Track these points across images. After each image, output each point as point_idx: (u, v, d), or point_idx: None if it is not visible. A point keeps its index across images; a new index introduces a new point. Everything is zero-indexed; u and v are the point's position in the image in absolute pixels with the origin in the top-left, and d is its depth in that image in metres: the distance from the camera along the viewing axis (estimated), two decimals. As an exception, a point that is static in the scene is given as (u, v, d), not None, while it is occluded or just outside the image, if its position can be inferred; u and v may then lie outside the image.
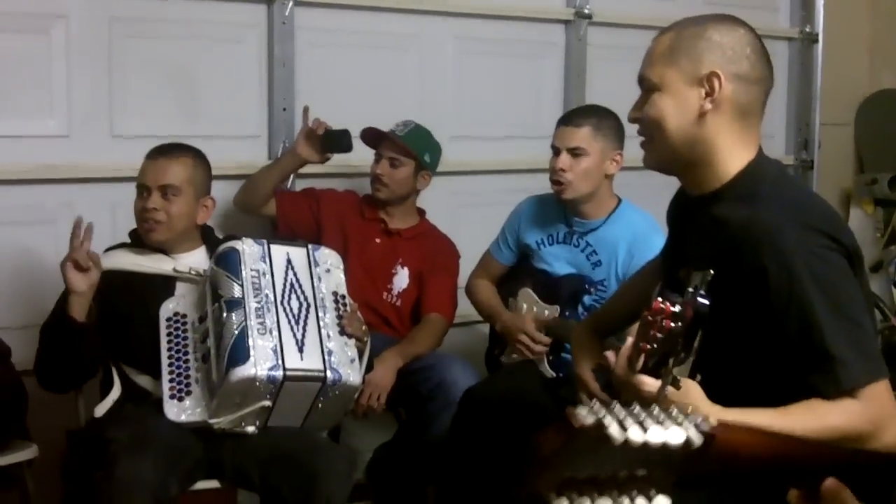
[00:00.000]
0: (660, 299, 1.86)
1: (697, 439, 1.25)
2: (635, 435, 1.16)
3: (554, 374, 3.62)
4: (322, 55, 4.33)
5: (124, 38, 3.94)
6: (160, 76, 4.04)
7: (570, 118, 3.69)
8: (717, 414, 1.97)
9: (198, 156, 3.38)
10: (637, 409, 1.23)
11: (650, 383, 1.96)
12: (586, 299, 3.63)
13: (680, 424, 1.22)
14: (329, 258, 3.33)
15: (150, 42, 4.00)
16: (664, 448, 1.21)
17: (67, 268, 3.08)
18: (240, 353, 2.98)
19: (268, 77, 4.22)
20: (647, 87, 2.26)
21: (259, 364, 2.97)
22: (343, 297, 3.28)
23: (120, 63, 3.94)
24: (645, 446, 1.18)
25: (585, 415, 1.17)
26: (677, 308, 1.83)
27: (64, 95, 3.86)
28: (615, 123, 3.66)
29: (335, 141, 3.92)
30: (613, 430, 1.15)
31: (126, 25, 3.95)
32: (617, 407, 1.21)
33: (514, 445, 3.16)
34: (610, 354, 2.16)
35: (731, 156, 2.25)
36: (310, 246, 3.33)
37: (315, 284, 3.23)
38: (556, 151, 3.63)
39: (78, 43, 3.86)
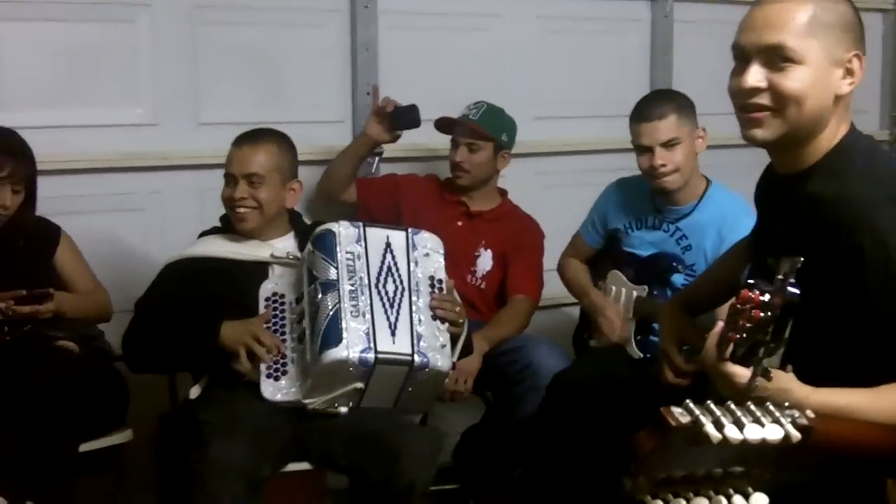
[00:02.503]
0: (748, 288, 1.82)
1: (796, 434, 1.23)
2: (732, 433, 1.14)
3: (641, 355, 3.59)
4: (404, 38, 4.32)
5: (208, 25, 3.98)
6: (244, 63, 4.07)
7: (650, 112, 3.56)
8: (810, 395, 1.93)
9: (283, 140, 3.38)
10: (732, 406, 1.20)
11: (740, 374, 1.93)
12: (676, 278, 3.58)
13: (777, 420, 1.20)
14: (428, 242, 3.30)
15: (233, 29, 4.04)
16: (762, 445, 1.19)
17: (250, 343, 3.13)
18: (333, 335, 3.00)
19: (351, 61, 4.22)
20: (784, 57, 2.12)
21: (351, 347, 2.98)
22: (440, 281, 3.25)
23: (204, 50, 3.98)
24: (742, 444, 1.16)
25: (681, 414, 1.15)
26: (766, 297, 1.79)
27: (150, 84, 3.91)
28: (688, 100, 3.62)
29: (403, 117, 3.91)
30: (710, 428, 1.13)
31: (209, 12, 3.98)
32: (712, 405, 1.18)
33: (602, 428, 3.14)
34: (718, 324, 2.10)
35: (831, 133, 2.19)
36: (410, 230, 3.31)
37: (411, 268, 3.21)
38: (645, 149, 3.55)
39: (163, 31, 3.91)
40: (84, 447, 3.20)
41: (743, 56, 2.16)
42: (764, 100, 2.15)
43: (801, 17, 2.11)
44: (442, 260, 3.29)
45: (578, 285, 3.86)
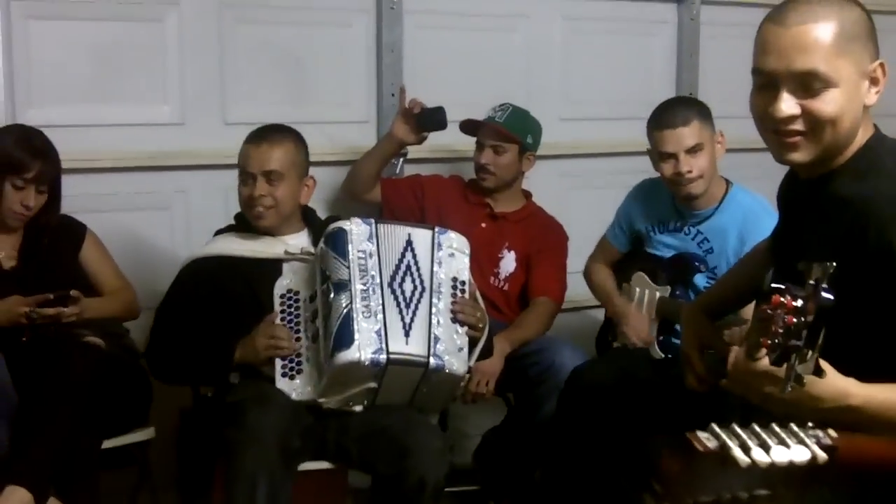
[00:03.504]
0: (779, 293, 1.81)
1: (822, 455, 1.23)
2: (760, 456, 1.14)
3: (663, 356, 3.58)
4: (430, 38, 4.33)
5: (235, 24, 4.01)
6: (270, 62, 4.09)
7: (673, 118, 3.53)
8: (856, 389, 1.91)
9: (297, 137, 3.38)
10: (757, 428, 1.20)
11: (776, 372, 1.91)
12: (698, 279, 3.58)
13: (802, 441, 1.20)
14: (454, 242, 3.27)
15: (259, 28, 4.06)
16: (789, 466, 1.19)
17: (271, 352, 3.16)
18: (344, 336, 3.00)
19: (376, 62, 4.23)
20: (819, 82, 2.08)
21: (363, 348, 2.99)
22: (463, 283, 3.24)
23: (231, 50, 4.00)
24: (769, 467, 1.16)
25: (707, 438, 1.15)
26: (799, 303, 1.77)
27: (177, 83, 3.94)
28: (706, 106, 3.62)
29: (429, 118, 3.91)
30: (737, 452, 1.13)
31: (237, 12, 4.01)
32: (736, 428, 1.18)
33: (621, 427, 3.14)
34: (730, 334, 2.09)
35: (856, 137, 2.16)
36: (437, 229, 3.29)
37: (434, 269, 3.20)
38: (668, 156, 3.53)
39: (190, 30, 3.93)
40: (107, 444, 3.23)
41: (770, 79, 2.12)
42: (799, 125, 2.11)
43: (828, 36, 2.07)
44: (467, 261, 3.28)
45: (604, 291, 3.86)
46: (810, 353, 1.79)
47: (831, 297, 1.77)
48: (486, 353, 3.37)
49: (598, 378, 3.40)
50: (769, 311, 1.79)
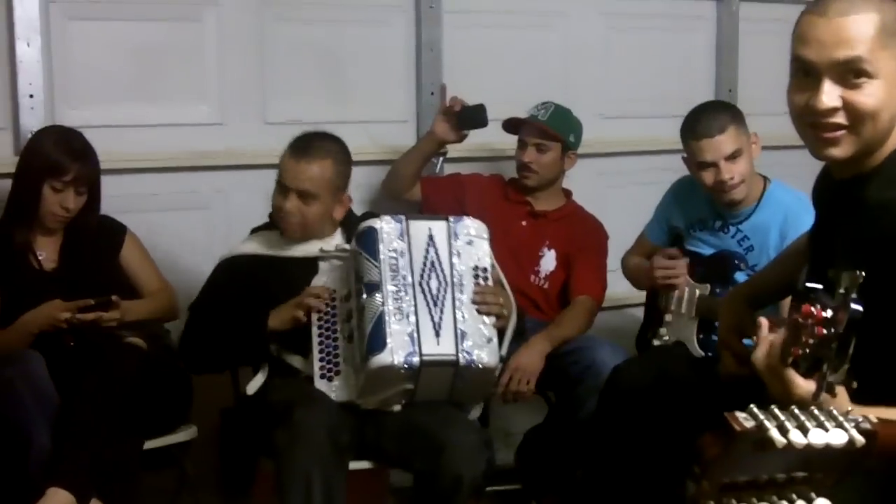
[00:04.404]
0: (809, 302, 1.79)
1: (860, 439, 1.22)
2: (797, 437, 1.13)
3: (703, 354, 3.56)
4: (469, 37, 4.34)
5: (274, 23, 4.02)
6: (309, 61, 4.10)
7: (708, 127, 3.48)
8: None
9: (339, 152, 3.32)
10: (796, 410, 1.19)
11: (804, 387, 1.90)
12: (738, 277, 3.55)
13: (841, 425, 1.19)
14: (470, 228, 3.24)
15: (298, 27, 4.07)
16: (826, 449, 1.18)
17: (298, 311, 3.17)
18: (377, 339, 3.00)
19: (416, 61, 4.24)
20: (859, 73, 2.05)
21: (396, 352, 2.99)
22: (484, 269, 3.21)
23: (270, 49, 4.02)
24: (806, 448, 1.15)
25: (745, 419, 1.14)
26: (829, 313, 1.76)
27: (216, 82, 3.96)
28: (737, 110, 3.60)
29: (469, 117, 3.91)
30: (774, 433, 1.12)
31: (276, 11, 4.02)
32: (776, 409, 1.17)
33: (661, 425, 3.12)
34: (763, 322, 2.06)
35: (890, 137, 2.13)
36: (451, 218, 3.25)
37: (453, 261, 3.18)
38: (708, 165, 3.49)
39: (229, 30, 3.95)
40: (149, 444, 3.24)
41: (810, 71, 2.08)
42: (840, 118, 2.07)
43: (870, 28, 2.03)
44: (486, 246, 3.24)
45: (638, 267, 3.83)
46: (841, 363, 1.77)
47: (860, 308, 1.75)
48: (520, 335, 3.34)
49: (639, 377, 3.37)
50: (800, 321, 1.78)
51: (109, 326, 3.27)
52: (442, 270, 3.16)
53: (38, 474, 2.95)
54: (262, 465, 3.05)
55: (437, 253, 3.18)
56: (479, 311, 3.14)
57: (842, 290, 1.74)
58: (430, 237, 3.20)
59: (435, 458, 2.95)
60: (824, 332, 1.73)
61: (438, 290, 3.13)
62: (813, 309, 1.74)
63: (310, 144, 3.28)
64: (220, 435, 3.46)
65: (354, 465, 3.13)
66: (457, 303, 3.12)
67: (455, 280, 3.15)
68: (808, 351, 1.77)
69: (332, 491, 2.89)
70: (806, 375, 1.86)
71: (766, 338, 1.97)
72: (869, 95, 2.04)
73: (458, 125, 3.94)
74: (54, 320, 3.21)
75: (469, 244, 3.22)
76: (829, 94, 2.04)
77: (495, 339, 3.15)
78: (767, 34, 4.72)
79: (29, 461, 2.97)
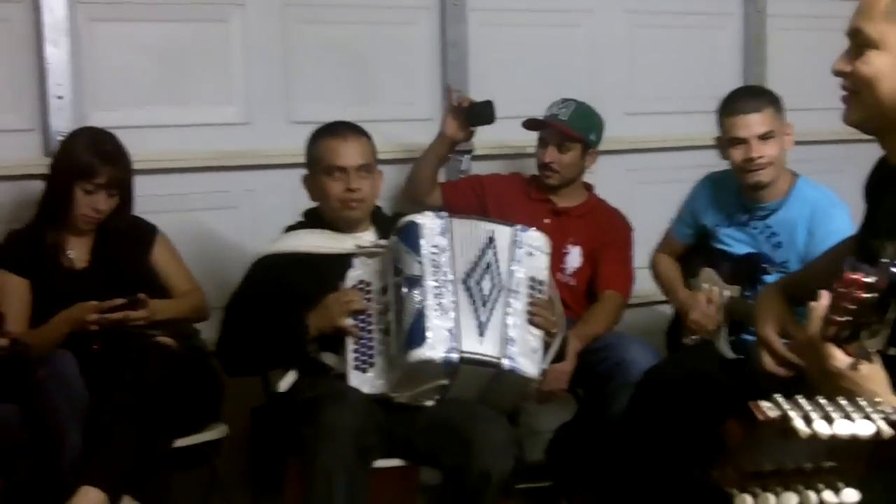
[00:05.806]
0: (851, 271, 1.79)
1: (888, 430, 1.21)
2: (821, 427, 1.13)
3: (734, 356, 3.55)
4: (493, 35, 4.33)
5: (299, 23, 4.04)
6: (334, 61, 4.11)
7: (745, 104, 3.53)
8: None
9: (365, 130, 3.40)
10: (822, 400, 1.19)
11: (840, 358, 1.88)
12: (767, 279, 3.54)
13: (868, 416, 1.18)
14: (534, 241, 3.25)
15: (323, 27, 4.09)
16: (853, 440, 1.17)
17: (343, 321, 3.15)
18: (417, 334, 2.99)
19: (440, 59, 4.24)
20: (862, 42, 2.14)
21: (435, 347, 2.98)
22: (541, 282, 3.21)
23: (295, 49, 4.04)
24: (832, 439, 1.15)
25: (769, 408, 1.14)
26: (871, 278, 1.76)
27: (242, 83, 3.98)
28: (777, 97, 3.59)
29: (478, 113, 3.87)
30: (798, 423, 1.12)
31: (301, 11, 4.04)
32: (801, 399, 1.17)
33: (692, 427, 3.11)
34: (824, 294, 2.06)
35: None
36: (518, 227, 3.26)
37: (512, 268, 3.17)
38: (739, 142, 3.52)
39: (255, 30, 3.97)
40: (180, 443, 3.25)
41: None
42: (849, 83, 2.18)
43: (879, 1, 2.11)
44: (546, 259, 3.25)
45: (668, 282, 3.83)
46: (879, 328, 1.77)
47: None
48: (560, 356, 3.33)
49: (671, 381, 3.37)
50: (841, 289, 1.78)
51: (137, 325, 3.29)
52: (498, 274, 3.15)
53: (70, 473, 2.98)
54: (292, 463, 3.05)
55: (495, 256, 3.17)
56: (530, 322, 3.14)
57: (885, 259, 1.74)
58: (491, 239, 3.20)
59: (463, 454, 2.94)
60: (864, 296, 1.74)
61: (491, 292, 3.12)
62: (854, 276, 1.74)
63: (342, 126, 3.36)
64: (250, 433, 3.47)
65: (384, 462, 3.13)
66: (509, 308, 3.11)
67: (512, 286, 3.15)
68: (848, 318, 1.76)
69: (354, 492, 2.89)
70: (845, 343, 1.85)
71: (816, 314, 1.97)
72: (867, 64, 2.13)
73: (467, 122, 3.92)
74: (84, 323, 3.23)
75: (530, 255, 3.22)
76: (842, 60, 2.17)
77: (541, 352, 3.15)
78: (796, 30, 4.70)
79: (61, 460, 3.00)
